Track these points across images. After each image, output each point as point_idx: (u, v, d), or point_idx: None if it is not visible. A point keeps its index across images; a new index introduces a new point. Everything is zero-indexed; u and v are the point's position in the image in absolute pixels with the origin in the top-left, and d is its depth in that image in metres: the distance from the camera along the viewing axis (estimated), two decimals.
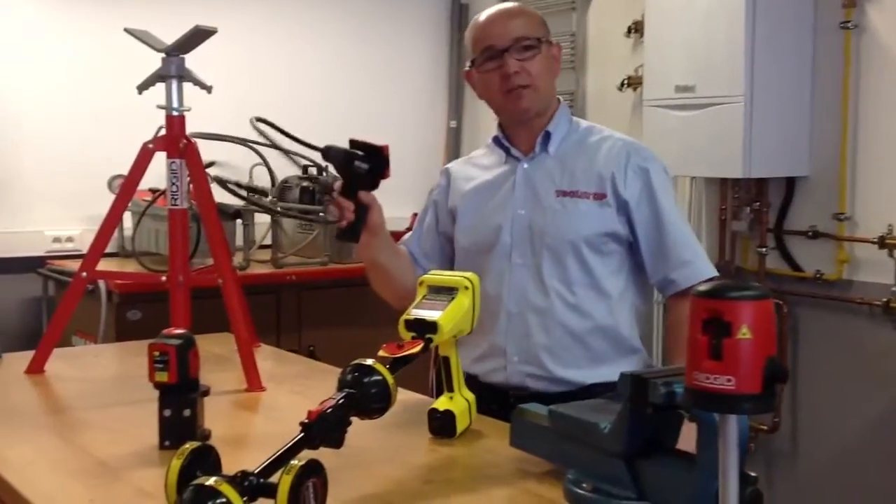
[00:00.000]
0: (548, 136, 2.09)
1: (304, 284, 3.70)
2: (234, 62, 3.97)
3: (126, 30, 2.24)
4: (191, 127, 2.23)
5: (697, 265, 2.03)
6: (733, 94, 3.22)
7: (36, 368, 2.22)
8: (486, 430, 1.77)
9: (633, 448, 1.34)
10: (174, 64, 2.16)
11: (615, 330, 2.05)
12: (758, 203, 3.52)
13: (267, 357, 2.42)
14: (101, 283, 3.28)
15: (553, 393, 1.99)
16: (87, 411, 1.96)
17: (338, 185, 1.91)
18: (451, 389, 1.76)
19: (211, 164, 3.76)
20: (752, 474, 1.22)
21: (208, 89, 2.19)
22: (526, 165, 2.10)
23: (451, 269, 2.12)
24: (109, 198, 3.57)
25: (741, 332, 0.96)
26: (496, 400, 1.96)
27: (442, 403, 1.75)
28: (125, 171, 2.28)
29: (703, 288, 0.99)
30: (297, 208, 3.90)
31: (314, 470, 1.25)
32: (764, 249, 3.51)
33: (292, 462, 1.25)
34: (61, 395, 2.14)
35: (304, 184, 3.91)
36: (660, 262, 2.03)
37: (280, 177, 3.91)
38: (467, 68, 2.12)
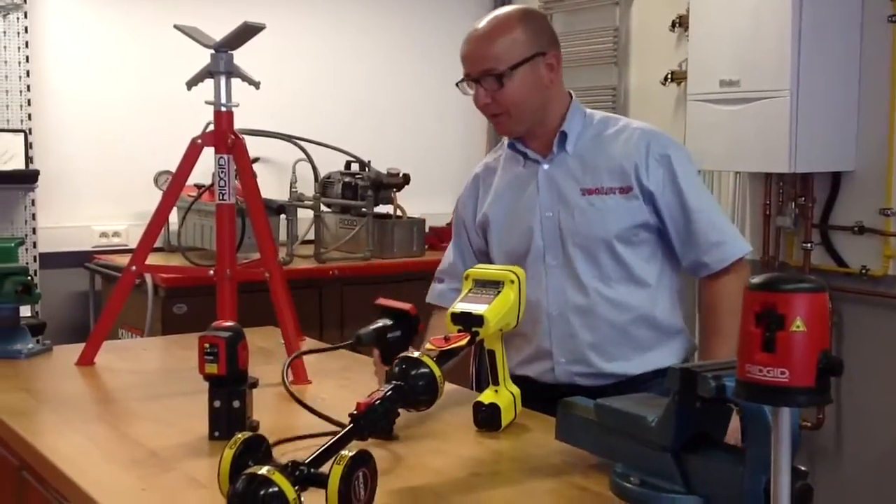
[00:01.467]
0: (564, 135, 2.06)
1: (346, 279, 3.72)
2: (278, 58, 4.00)
3: (176, 26, 2.26)
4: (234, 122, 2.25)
5: (727, 246, 2.02)
6: (779, 88, 3.19)
7: (86, 360, 2.26)
8: (531, 424, 1.77)
9: (681, 441, 1.34)
10: (223, 60, 2.19)
11: (657, 316, 2.05)
12: (803, 198, 3.48)
13: None
14: (148, 278, 3.33)
15: (603, 386, 1.99)
16: (137, 402, 1.99)
17: (376, 355, 1.92)
18: (496, 383, 1.77)
19: (256, 160, 3.79)
20: (803, 468, 1.22)
21: (256, 85, 2.21)
22: (546, 167, 2.07)
23: None
24: (154, 194, 3.64)
25: (795, 325, 0.95)
26: (549, 398, 1.95)
27: (487, 397, 1.76)
28: (170, 167, 2.31)
29: (755, 281, 0.99)
30: (339, 204, 3.93)
31: (364, 460, 1.26)
32: (809, 245, 3.47)
33: (342, 452, 1.25)
34: (111, 387, 2.17)
35: (347, 179, 3.94)
36: (689, 246, 2.02)
37: (322, 172, 3.94)
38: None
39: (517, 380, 1.83)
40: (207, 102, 2.22)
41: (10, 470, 1.86)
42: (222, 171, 2.22)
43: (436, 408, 1.53)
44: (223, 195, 2.23)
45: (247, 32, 2.17)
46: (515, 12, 2.04)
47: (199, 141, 2.25)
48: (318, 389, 2.07)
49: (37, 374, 2.23)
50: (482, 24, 2.02)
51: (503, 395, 1.76)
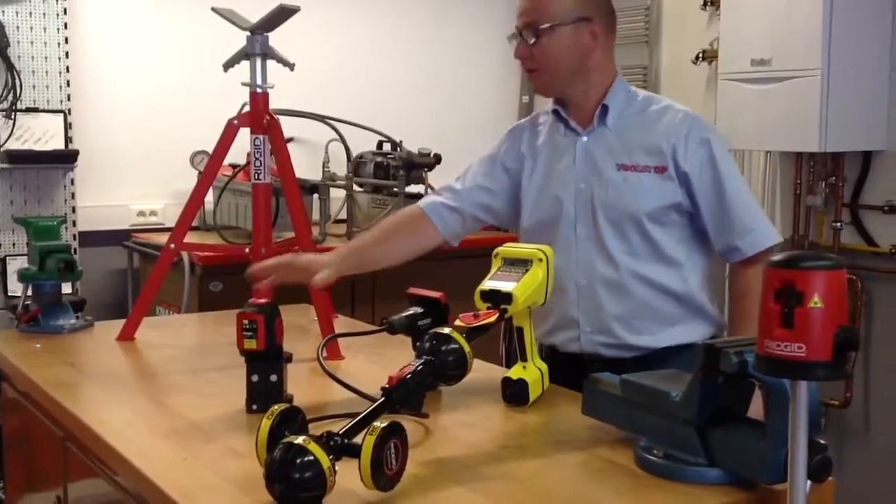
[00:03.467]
0: (605, 109, 2.09)
1: None
2: (310, 39, 4.03)
3: (213, 9, 2.30)
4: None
5: (761, 232, 2.05)
6: (810, 67, 3.19)
7: (127, 336, 2.32)
8: (558, 399, 1.81)
9: (704, 416, 1.37)
10: (259, 42, 2.22)
11: (686, 295, 2.08)
12: (833, 177, 3.48)
13: (343, 328, 2.48)
14: (185, 256, 3.39)
15: (627, 358, 2.03)
16: (177, 376, 2.05)
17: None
18: (524, 359, 1.80)
19: (289, 140, 3.84)
20: (822, 442, 1.24)
21: (291, 67, 2.24)
22: (585, 139, 2.11)
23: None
24: (190, 173, 3.72)
25: (813, 301, 0.98)
26: (572, 367, 2.00)
27: (515, 372, 1.79)
28: (205, 147, 2.35)
29: (776, 258, 1.02)
30: (371, 183, 3.97)
31: (396, 431, 1.30)
32: (839, 224, 3.47)
33: (375, 424, 1.30)
34: (152, 361, 2.23)
35: (378, 159, 3.98)
36: (724, 230, 2.05)
37: (355, 152, 3.98)
38: None
39: (541, 349, 1.86)
40: (244, 84, 2.26)
41: (54, 440, 1.93)
42: (258, 152, 2.26)
43: (464, 383, 1.56)
44: (259, 175, 2.27)
45: (282, 15, 2.20)
46: None
47: (236, 121, 2.29)
48: (351, 364, 2.12)
49: (79, 348, 2.30)
50: None
51: (531, 371, 1.79)
